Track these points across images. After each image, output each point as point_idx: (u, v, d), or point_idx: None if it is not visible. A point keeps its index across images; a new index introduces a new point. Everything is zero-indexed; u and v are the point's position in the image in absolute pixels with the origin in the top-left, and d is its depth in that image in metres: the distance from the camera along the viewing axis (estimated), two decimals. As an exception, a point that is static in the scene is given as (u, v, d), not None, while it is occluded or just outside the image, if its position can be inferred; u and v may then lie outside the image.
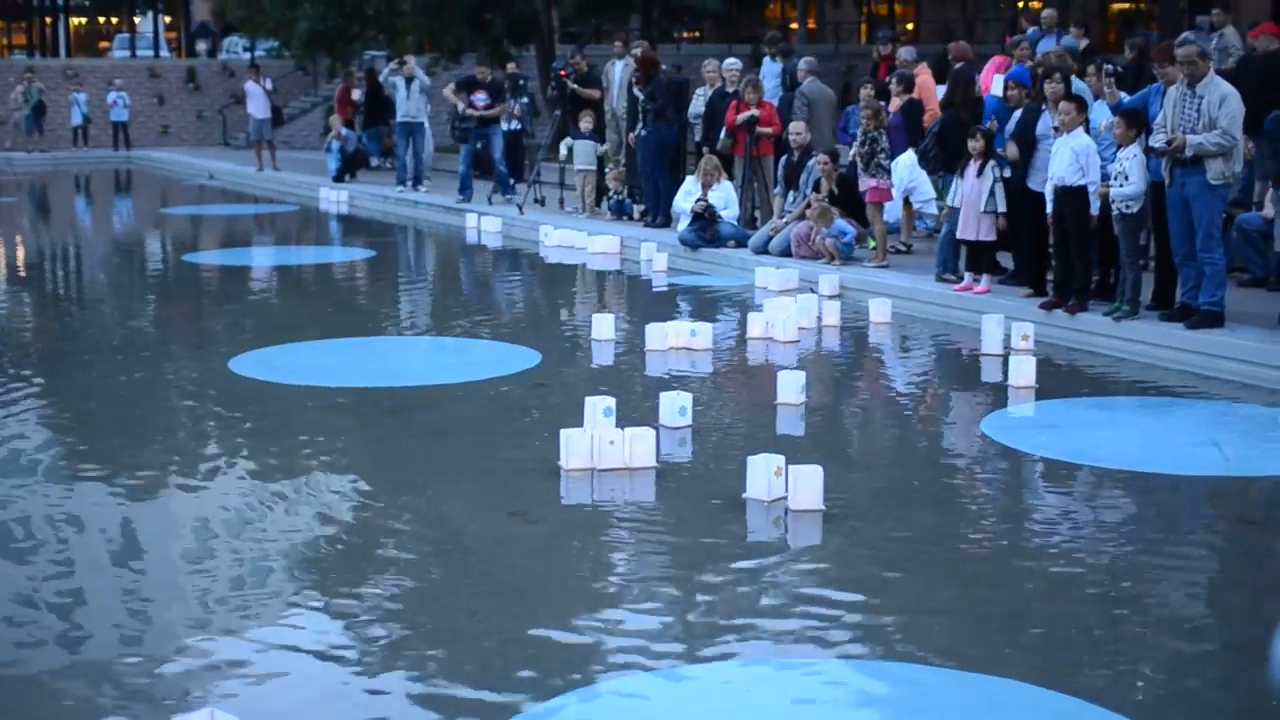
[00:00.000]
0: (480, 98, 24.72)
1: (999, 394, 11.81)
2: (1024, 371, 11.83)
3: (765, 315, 13.97)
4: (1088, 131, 13.46)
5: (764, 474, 8.62)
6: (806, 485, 8.47)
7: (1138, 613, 7.17)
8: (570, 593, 7.42)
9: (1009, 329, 13.24)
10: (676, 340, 13.24)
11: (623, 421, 9.75)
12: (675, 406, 10.35)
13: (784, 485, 8.60)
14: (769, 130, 19.15)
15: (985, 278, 14.75)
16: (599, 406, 9.88)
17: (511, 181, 24.77)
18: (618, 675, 6.37)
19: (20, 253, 22.88)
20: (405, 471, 9.53)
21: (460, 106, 25.04)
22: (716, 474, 9.41)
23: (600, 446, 9.32)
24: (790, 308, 14.27)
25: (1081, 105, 13.51)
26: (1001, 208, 14.38)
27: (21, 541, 8.20)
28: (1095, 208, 13.19)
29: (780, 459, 8.67)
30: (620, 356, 13.24)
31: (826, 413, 11.29)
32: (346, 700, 6.18)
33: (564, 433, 9.39)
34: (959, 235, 14.82)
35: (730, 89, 20.05)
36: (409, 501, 8.84)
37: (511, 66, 29.51)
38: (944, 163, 16.01)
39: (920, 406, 12.03)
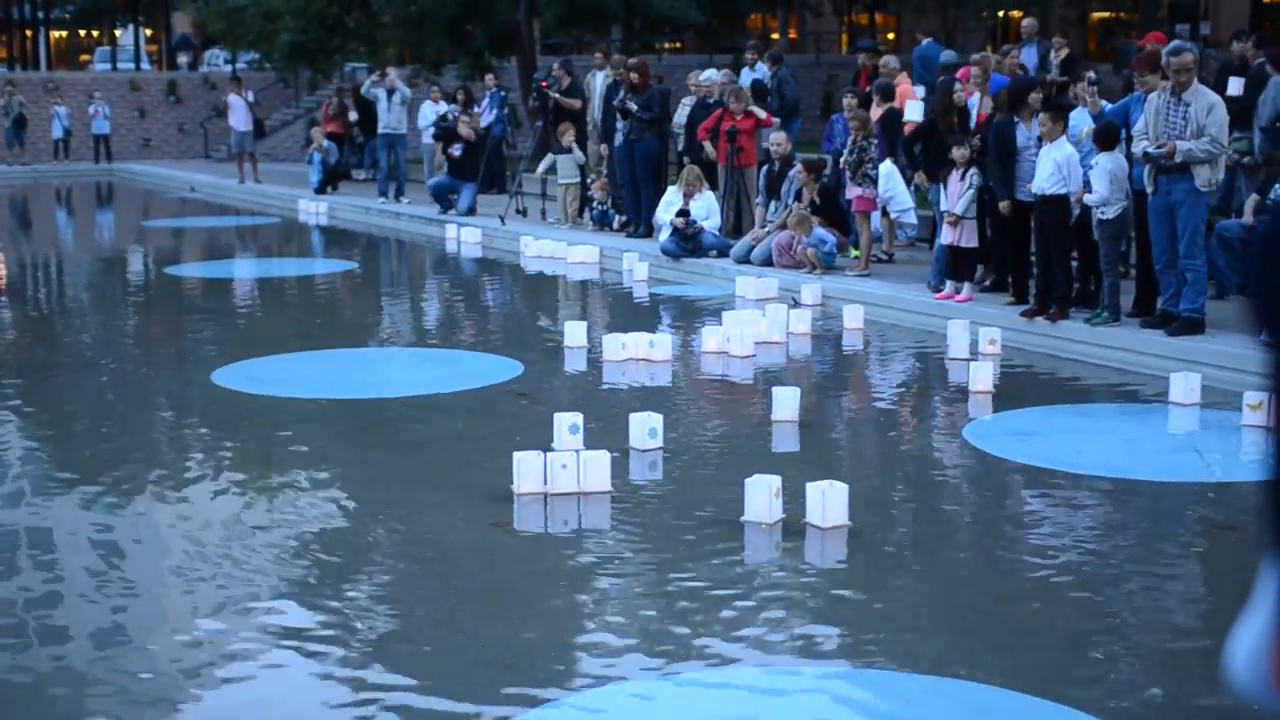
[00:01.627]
0: (458, 148, 24.93)
1: (968, 400, 11.83)
2: (982, 376, 11.94)
3: (723, 329, 13.81)
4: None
5: (764, 495, 8.41)
6: (833, 502, 8.33)
7: (1120, 619, 7.19)
8: (554, 603, 7.42)
9: (977, 334, 13.36)
10: (635, 351, 13.18)
11: (599, 438, 9.74)
12: (645, 428, 10.03)
13: (783, 506, 8.45)
14: (762, 114, 19.36)
15: (966, 286, 14.79)
16: (565, 423, 9.82)
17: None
18: (602, 686, 6.37)
19: (1, 266, 22.82)
20: (388, 483, 9.51)
21: (438, 157, 25.35)
22: (692, 491, 9.41)
23: (553, 470, 8.96)
24: (755, 321, 14.18)
25: (1058, 115, 13.57)
26: (971, 214, 14.50)
27: (1, 553, 8.18)
28: (1074, 214, 13.25)
29: (778, 480, 8.49)
30: (600, 368, 13.20)
31: (800, 426, 11.10)
32: (330, 712, 6.17)
33: (516, 455, 9.08)
34: (943, 241, 14.88)
35: (709, 100, 20.15)
36: (391, 512, 8.83)
37: (490, 78, 29.54)
38: (923, 165, 16.07)
39: (893, 415, 12.02)
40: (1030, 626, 7.02)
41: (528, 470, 8.99)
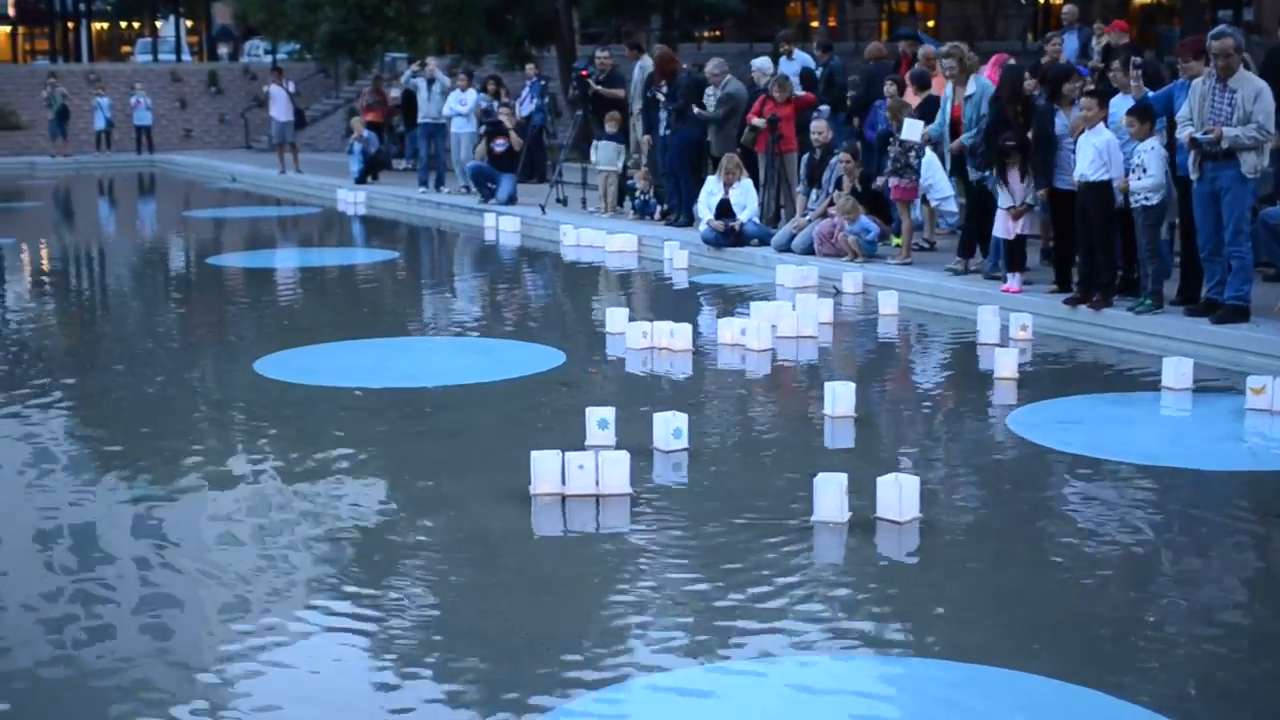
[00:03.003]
0: (500, 144, 24.97)
1: (998, 387, 11.79)
2: (1006, 362, 11.98)
3: (740, 321, 13.55)
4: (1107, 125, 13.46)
5: (835, 493, 8.20)
6: (906, 495, 8.23)
7: (1168, 608, 7.15)
8: (599, 593, 7.41)
9: (1008, 319, 13.46)
10: (657, 339, 13.13)
11: (635, 433, 9.71)
12: (669, 429, 9.70)
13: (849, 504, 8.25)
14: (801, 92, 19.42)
15: (1018, 276, 14.65)
16: (595, 417, 9.71)
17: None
18: (645, 675, 6.36)
19: (45, 257, 22.96)
20: (429, 472, 9.52)
21: (480, 149, 25.33)
22: (730, 485, 9.40)
23: (570, 471, 8.71)
24: (784, 314, 13.96)
25: (1103, 101, 13.48)
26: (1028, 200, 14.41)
27: (47, 542, 8.24)
28: (1118, 201, 13.16)
29: (844, 477, 8.30)
30: (635, 357, 13.12)
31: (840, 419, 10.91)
32: (371, 701, 6.18)
33: (534, 455, 8.83)
34: (1000, 234, 14.71)
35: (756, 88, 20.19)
36: (432, 502, 8.83)
37: (530, 67, 29.55)
38: (988, 160, 15.90)
39: (931, 404, 11.95)
40: (1078, 616, 6.98)
41: (544, 471, 8.76)
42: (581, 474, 8.72)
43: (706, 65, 21.28)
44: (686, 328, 13.29)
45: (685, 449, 9.75)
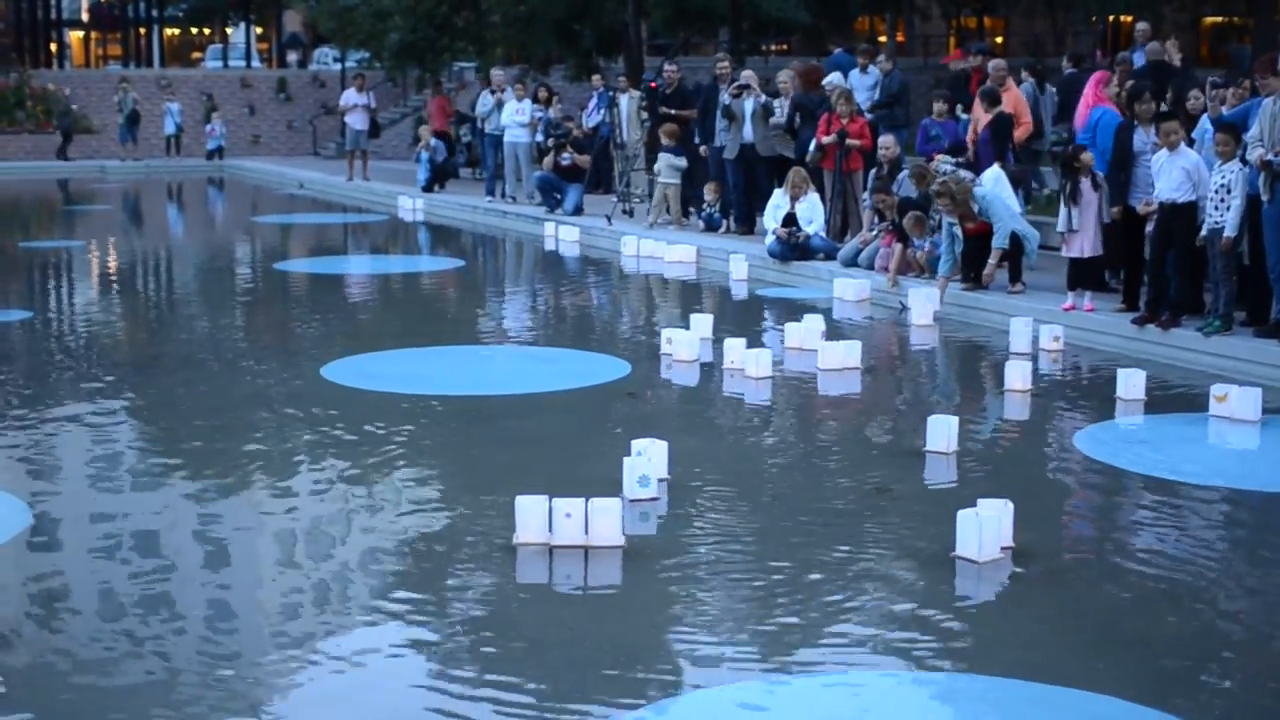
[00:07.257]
0: (566, 156, 25.02)
1: (1006, 399, 11.92)
2: (1017, 375, 12.11)
3: (735, 350, 12.79)
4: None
5: (987, 531, 7.90)
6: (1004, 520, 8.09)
7: (1235, 631, 7.09)
8: (664, 603, 7.41)
9: (1039, 330, 13.70)
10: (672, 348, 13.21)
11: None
12: (635, 475, 8.86)
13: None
14: (858, 143, 19.11)
15: (1088, 295, 14.51)
16: (636, 448, 9.26)
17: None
18: (708, 686, 6.36)
19: (114, 260, 23.17)
20: (493, 479, 9.52)
21: (547, 160, 25.38)
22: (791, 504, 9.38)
23: (557, 520, 8.00)
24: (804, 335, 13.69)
25: (1184, 123, 13.36)
26: (1106, 218, 14.27)
27: (109, 545, 8.32)
28: (1215, 221, 12.90)
29: (985, 509, 8.03)
30: (702, 369, 13.11)
31: (891, 441, 10.91)
32: (431, 710, 6.20)
33: (518, 500, 8.16)
34: (1067, 254, 14.53)
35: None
36: (496, 510, 8.83)
37: (598, 78, 29.64)
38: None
39: (989, 420, 11.91)
40: (1144, 636, 6.93)
41: (528, 519, 8.07)
42: (568, 523, 8.03)
43: (778, 75, 21.31)
44: (694, 338, 13.32)
45: (653, 498, 8.91)
